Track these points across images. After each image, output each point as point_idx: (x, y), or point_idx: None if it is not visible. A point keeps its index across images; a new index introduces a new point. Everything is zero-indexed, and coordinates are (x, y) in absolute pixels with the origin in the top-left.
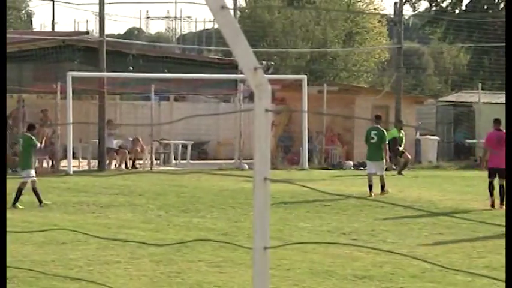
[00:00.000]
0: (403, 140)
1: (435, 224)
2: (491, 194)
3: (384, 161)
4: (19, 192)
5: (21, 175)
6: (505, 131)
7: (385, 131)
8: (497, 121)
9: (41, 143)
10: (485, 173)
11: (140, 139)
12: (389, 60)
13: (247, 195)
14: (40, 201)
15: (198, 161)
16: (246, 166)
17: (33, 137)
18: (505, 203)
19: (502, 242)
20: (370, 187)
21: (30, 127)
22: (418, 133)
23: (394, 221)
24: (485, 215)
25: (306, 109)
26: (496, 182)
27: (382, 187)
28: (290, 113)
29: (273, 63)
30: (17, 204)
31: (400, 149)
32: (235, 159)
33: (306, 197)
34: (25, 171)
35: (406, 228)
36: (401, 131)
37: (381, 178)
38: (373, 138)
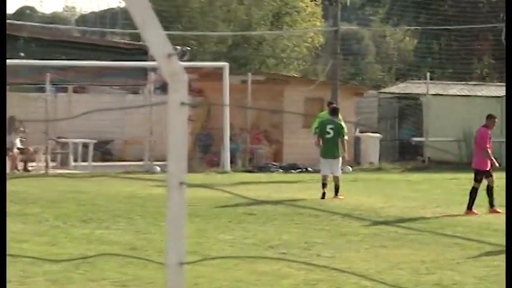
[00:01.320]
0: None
1: (377, 235)
2: (473, 201)
3: (341, 159)
4: None
5: None
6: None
7: (343, 124)
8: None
9: None
10: (433, 176)
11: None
12: (324, 45)
13: (159, 203)
14: None
15: (101, 163)
16: (158, 169)
17: None
18: (495, 205)
19: (454, 256)
20: (324, 186)
21: None
22: (358, 130)
23: (330, 232)
24: (434, 224)
25: (228, 102)
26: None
27: (336, 190)
28: (209, 106)
29: (189, 48)
30: None
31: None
32: (145, 161)
33: (227, 205)
34: None
35: (344, 240)
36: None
37: (336, 179)
38: (328, 133)
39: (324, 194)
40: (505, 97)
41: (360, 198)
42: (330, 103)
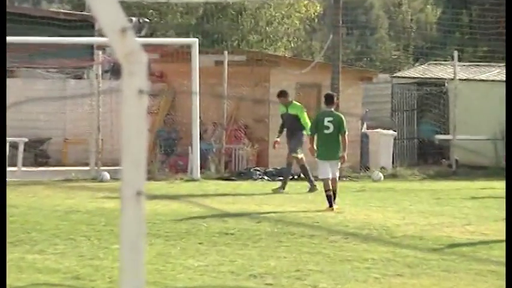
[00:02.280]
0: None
1: (390, 261)
2: None
3: (341, 158)
4: None
5: None
6: None
7: (343, 117)
8: None
9: None
10: (462, 185)
11: None
12: (322, 15)
13: (109, 220)
14: None
15: (34, 168)
16: (108, 176)
17: None
18: None
19: (488, 287)
20: (330, 198)
21: None
22: (365, 125)
23: (329, 257)
24: (463, 247)
25: (198, 89)
26: None
27: (334, 194)
28: (174, 95)
29: (147, 20)
30: None
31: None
32: (91, 165)
33: (197, 222)
34: None
35: (348, 268)
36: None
37: (334, 183)
38: (327, 128)
39: (331, 205)
40: None
41: (369, 213)
42: (327, 95)
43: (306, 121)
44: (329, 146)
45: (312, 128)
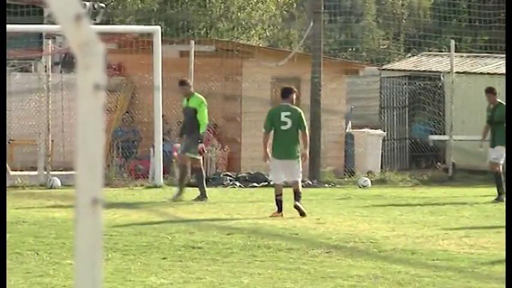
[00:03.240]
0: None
1: (378, 278)
2: None
3: (302, 158)
4: None
5: None
6: None
7: (301, 111)
8: None
9: None
10: (459, 192)
11: None
12: (302, 0)
13: (60, 231)
14: None
15: None
16: (58, 181)
17: None
18: None
19: None
20: (280, 203)
21: None
22: (350, 124)
23: (309, 274)
24: (461, 261)
25: (160, 83)
26: None
27: (297, 197)
28: (133, 90)
29: (103, 5)
30: None
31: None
32: (40, 170)
33: (160, 234)
34: None
35: (330, 286)
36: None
37: (296, 185)
38: (285, 123)
39: (280, 210)
40: None
41: (354, 223)
42: (285, 89)
43: (204, 117)
44: (286, 143)
45: (267, 124)
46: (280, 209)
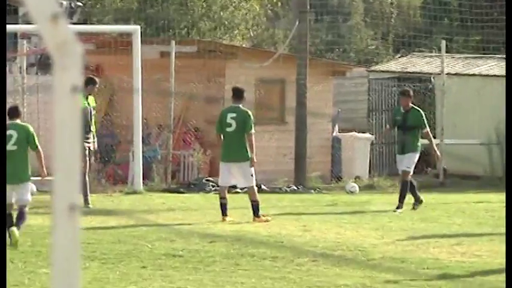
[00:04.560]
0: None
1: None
2: None
3: (250, 162)
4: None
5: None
6: None
7: (250, 113)
8: None
9: None
10: (451, 198)
11: None
12: None
13: (35, 239)
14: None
15: None
16: (34, 187)
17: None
18: None
19: None
20: (224, 207)
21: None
22: (337, 127)
23: (295, 283)
24: (453, 270)
25: (140, 85)
26: None
27: (255, 209)
28: (112, 92)
29: (80, 4)
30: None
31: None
32: None
33: (140, 241)
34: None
35: None
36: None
37: (250, 192)
38: (229, 125)
39: (224, 214)
40: None
41: (342, 230)
42: (235, 89)
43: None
44: (231, 146)
45: (217, 126)
46: (224, 213)
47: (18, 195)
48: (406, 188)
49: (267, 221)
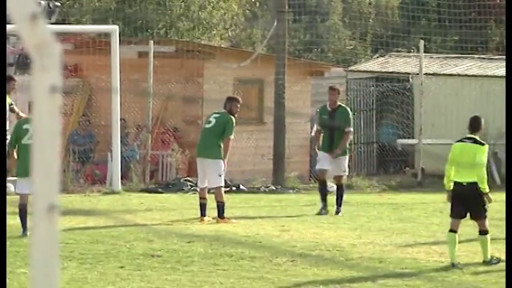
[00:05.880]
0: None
1: None
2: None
3: (223, 162)
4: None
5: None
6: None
7: (233, 120)
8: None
9: None
10: (429, 198)
11: None
12: None
13: (13, 240)
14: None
15: None
16: (12, 187)
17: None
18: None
19: None
20: (203, 207)
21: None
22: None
23: (273, 283)
24: (431, 271)
25: (118, 85)
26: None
27: (220, 210)
28: (90, 92)
29: (59, 4)
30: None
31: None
32: None
33: (118, 241)
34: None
35: None
36: None
37: (216, 192)
38: (209, 122)
39: (203, 215)
40: None
41: (320, 231)
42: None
43: None
44: (204, 141)
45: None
46: (202, 213)
47: None
48: (343, 191)
49: (231, 223)
